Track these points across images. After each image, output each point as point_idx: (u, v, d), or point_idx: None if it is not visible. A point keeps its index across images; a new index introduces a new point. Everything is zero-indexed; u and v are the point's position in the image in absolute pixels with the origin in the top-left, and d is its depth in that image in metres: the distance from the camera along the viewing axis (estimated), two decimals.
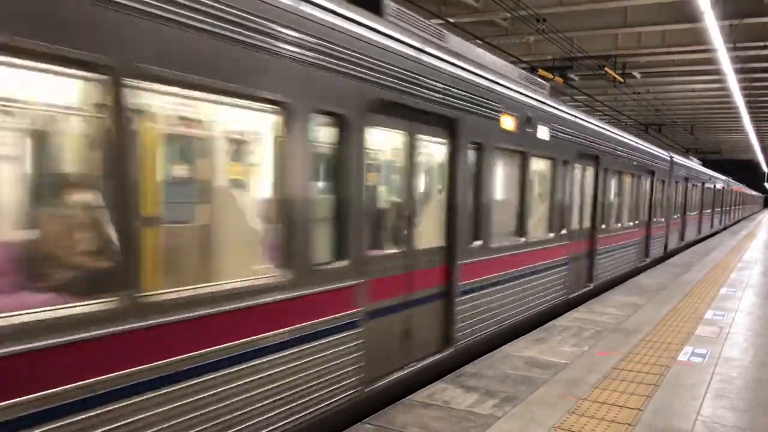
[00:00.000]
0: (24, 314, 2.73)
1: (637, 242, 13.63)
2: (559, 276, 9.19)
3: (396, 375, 5.37)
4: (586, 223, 10.54)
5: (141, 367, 3.18)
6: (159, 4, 3.21)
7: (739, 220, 46.24)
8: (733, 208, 36.78)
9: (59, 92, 3.29)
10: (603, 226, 11.19)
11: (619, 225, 12.32)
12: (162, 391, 3.29)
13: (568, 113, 9.34)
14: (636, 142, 13.49)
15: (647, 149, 14.34)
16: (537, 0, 14.15)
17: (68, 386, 2.89)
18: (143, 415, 3.20)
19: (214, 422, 3.61)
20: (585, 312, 9.03)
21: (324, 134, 4.50)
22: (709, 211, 25.31)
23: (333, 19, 4.46)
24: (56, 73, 2.97)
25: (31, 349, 2.72)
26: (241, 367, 3.76)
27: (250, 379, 3.83)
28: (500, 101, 6.95)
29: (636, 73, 21.24)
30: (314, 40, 4.24)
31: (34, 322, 2.74)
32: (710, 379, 5.95)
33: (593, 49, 18.02)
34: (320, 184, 4.60)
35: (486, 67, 6.96)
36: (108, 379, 3.04)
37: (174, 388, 3.36)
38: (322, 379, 4.41)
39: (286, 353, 4.11)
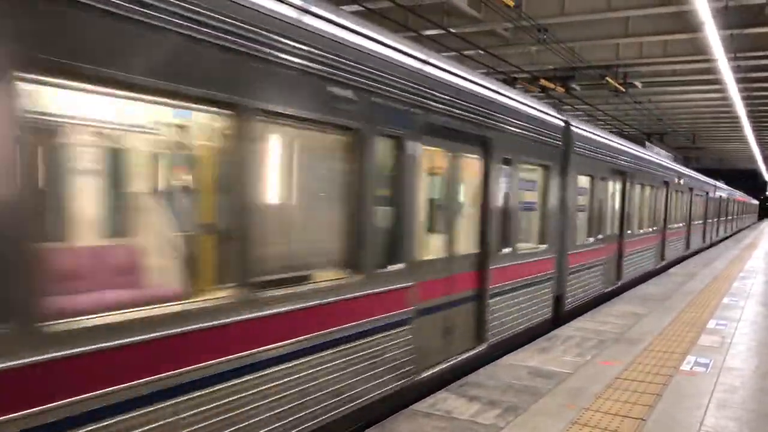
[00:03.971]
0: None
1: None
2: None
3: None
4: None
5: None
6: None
7: (742, 229, 47.59)
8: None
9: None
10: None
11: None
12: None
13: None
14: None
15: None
16: (538, 10, 14.23)
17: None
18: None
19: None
20: (588, 321, 9.03)
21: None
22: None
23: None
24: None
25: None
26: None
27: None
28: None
29: (637, 83, 21.28)
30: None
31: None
32: (713, 388, 5.93)
33: (595, 59, 18.07)
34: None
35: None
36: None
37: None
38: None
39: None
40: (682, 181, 19.08)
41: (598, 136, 10.90)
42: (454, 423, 4.88)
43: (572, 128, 9.43)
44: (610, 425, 4.88)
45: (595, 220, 10.78)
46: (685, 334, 8.22)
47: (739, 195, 44.20)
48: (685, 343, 7.74)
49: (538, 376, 6.16)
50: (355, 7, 11.85)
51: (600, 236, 11.11)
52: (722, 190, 32.72)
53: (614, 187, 12.08)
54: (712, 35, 12.06)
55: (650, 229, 15.26)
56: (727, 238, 34.79)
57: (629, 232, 13.15)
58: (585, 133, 10.10)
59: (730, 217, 38.34)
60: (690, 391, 5.80)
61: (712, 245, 27.69)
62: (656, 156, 15.97)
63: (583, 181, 10.26)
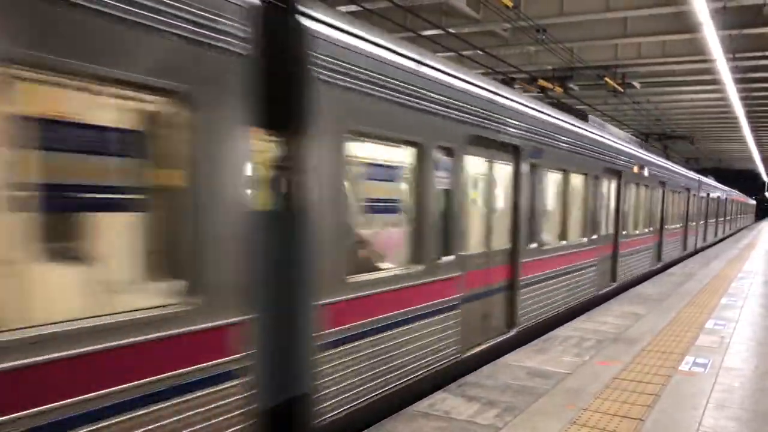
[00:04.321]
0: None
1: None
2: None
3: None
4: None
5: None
6: None
7: (739, 229, 47.65)
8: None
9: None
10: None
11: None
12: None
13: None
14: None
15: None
16: (537, 10, 14.24)
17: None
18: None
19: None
20: (586, 321, 9.02)
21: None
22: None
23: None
24: None
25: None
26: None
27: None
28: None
29: (636, 83, 21.32)
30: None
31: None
32: (712, 389, 5.93)
33: (593, 59, 18.10)
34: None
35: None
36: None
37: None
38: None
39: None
40: (647, 173, 14.39)
41: (424, 64, 5.51)
42: (452, 423, 4.88)
43: (304, 21, 4.13)
44: (608, 425, 4.87)
45: (428, 229, 5.71)
46: (683, 334, 8.22)
47: (734, 194, 43.19)
48: (684, 343, 7.74)
49: (537, 377, 6.16)
50: (353, 8, 11.85)
51: (449, 258, 6.09)
52: (711, 188, 28.28)
53: (492, 172, 7.13)
54: (711, 35, 12.09)
55: (585, 240, 10.25)
56: (718, 242, 32.71)
57: (533, 246, 8.14)
58: (359, 44, 4.65)
59: (721, 219, 34.76)
60: (689, 392, 5.80)
61: (697, 252, 24.15)
62: (601, 134, 10.92)
63: (378, 152, 5.34)
